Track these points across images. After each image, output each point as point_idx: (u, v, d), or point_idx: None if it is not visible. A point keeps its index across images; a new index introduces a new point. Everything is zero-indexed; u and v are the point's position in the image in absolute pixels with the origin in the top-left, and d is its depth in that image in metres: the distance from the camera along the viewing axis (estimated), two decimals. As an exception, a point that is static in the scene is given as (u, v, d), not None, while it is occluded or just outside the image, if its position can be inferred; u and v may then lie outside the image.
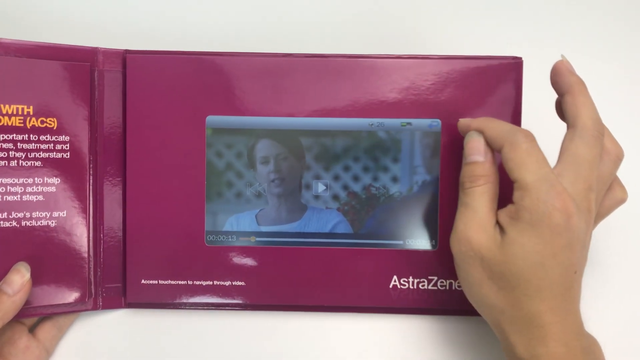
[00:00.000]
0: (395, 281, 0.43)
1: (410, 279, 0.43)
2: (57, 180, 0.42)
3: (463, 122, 0.40)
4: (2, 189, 0.40)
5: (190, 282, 0.43)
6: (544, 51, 0.45)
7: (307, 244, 0.43)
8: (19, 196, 0.40)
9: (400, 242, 0.43)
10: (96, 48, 0.43)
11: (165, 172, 0.43)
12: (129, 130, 0.43)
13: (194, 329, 0.45)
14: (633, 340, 0.45)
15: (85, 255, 0.43)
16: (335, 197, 0.43)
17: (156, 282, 0.43)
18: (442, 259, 0.43)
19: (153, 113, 0.43)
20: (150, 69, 0.43)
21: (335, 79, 0.43)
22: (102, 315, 0.45)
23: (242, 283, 0.43)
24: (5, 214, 0.40)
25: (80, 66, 0.42)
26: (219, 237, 0.43)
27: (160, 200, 0.43)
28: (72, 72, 0.42)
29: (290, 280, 0.43)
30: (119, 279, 0.44)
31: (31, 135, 0.41)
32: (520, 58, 0.42)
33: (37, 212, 0.41)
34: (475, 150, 0.38)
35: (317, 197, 0.43)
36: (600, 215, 0.38)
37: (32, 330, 0.43)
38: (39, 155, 0.41)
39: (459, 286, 0.43)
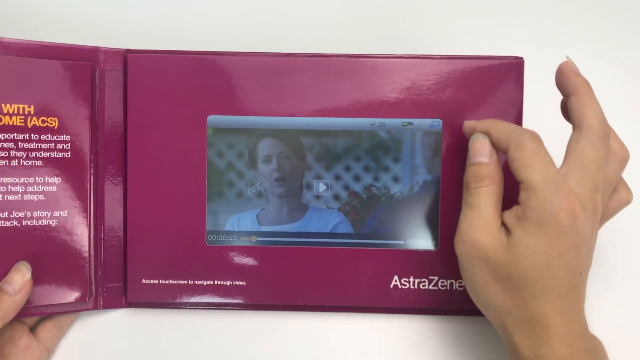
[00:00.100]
0: (396, 281, 0.43)
1: (411, 279, 0.43)
2: (58, 180, 0.42)
3: (468, 124, 0.40)
4: (3, 189, 0.40)
5: (191, 282, 0.43)
6: (544, 51, 0.45)
7: (308, 243, 0.43)
8: (19, 196, 0.40)
9: (401, 242, 0.43)
10: (97, 47, 0.43)
11: (166, 171, 0.43)
12: (130, 129, 0.43)
13: (195, 329, 0.45)
14: (637, 342, 0.45)
15: (86, 254, 0.43)
16: (336, 197, 0.43)
17: (157, 281, 0.43)
18: (443, 259, 0.43)
19: (154, 112, 0.43)
20: (152, 68, 0.43)
21: (337, 79, 0.43)
22: (103, 315, 0.45)
23: (243, 283, 0.43)
24: (6, 213, 0.40)
25: (82, 66, 0.42)
26: (220, 237, 0.43)
27: (161, 200, 0.43)
28: (73, 71, 0.42)
29: (291, 280, 0.43)
30: (120, 278, 0.44)
31: (32, 135, 0.41)
32: (522, 58, 0.42)
33: (38, 212, 0.41)
34: (481, 151, 0.38)
35: (318, 197, 0.43)
36: (605, 216, 0.38)
37: (32, 329, 0.43)
38: (40, 154, 0.41)
39: (459, 286, 0.43)
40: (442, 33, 0.49)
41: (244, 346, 0.45)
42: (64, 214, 0.42)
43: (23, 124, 0.40)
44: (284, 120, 0.43)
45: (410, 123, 0.42)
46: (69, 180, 0.42)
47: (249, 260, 0.43)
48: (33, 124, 0.41)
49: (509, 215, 0.36)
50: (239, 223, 0.43)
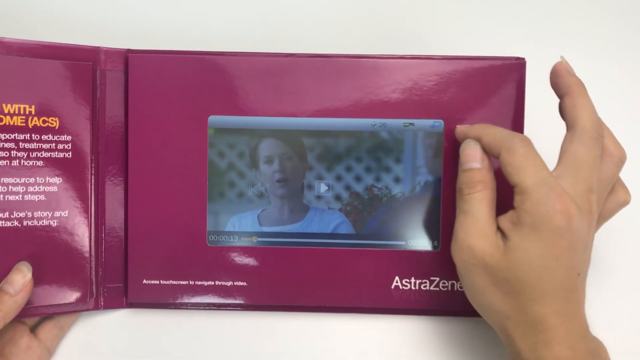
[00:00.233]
0: (397, 282, 0.43)
1: (412, 280, 0.43)
2: (59, 180, 0.41)
3: (460, 129, 0.40)
4: (4, 189, 0.40)
5: (191, 282, 0.43)
6: (544, 51, 0.45)
7: (309, 244, 0.43)
8: (20, 196, 0.40)
9: (403, 242, 0.43)
10: (98, 47, 0.43)
11: (167, 171, 0.43)
12: (131, 129, 0.43)
13: (196, 329, 0.45)
14: (638, 343, 0.45)
15: (87, 255, 0.43)
16: (338, 198, 0.43)
17: (158, 282, 0.43)
18: (444, 260, 0.43)
19: (155, 113, 0.43)
20: (153, 68, 0.43)
21: (338, 79, 0.42)
22: (104, 315, 0.45)
23: (244, 283, 0.43)
24: (7, 213, 0.40)
25: (83, 65, 0.42)
26: (221, 237, 0.43)
27: (162, 200, 0.43)
28: (74, 71, 0.42)
29: (292, 280, 0.43)
30: (121, 278, 0.44)
31: (33, 135, 0.41)
32: (523, 59, 0.42)
33: (39, 212, 0.41)
34: (472, 157, 0.38)
35: (319, 197, 0.43)
36: (603, 217, 0.38)
37: (33, 330, 0.43)
38: (41, 154, 0.41)
39: (461, 287, 0.43)
40: (442, 33, 0.49)
41: (245, 347, 0.45)
42: (65, 214, 0.42)
43: (24, 124, 0.40)
44: (285, 120, 0.43)
45: (411, 123, 0.42)
46: (69, 181, 0.42)
47: (249, 261, 0.43)
48: (34, 124, 0.41)
49: (505, 220, 0.36)
50: (240, 223, 0.43)
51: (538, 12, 0.49)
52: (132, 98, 0.43)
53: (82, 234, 0.42)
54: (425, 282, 0.43)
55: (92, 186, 0.43)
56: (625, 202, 0.39)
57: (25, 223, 0.41)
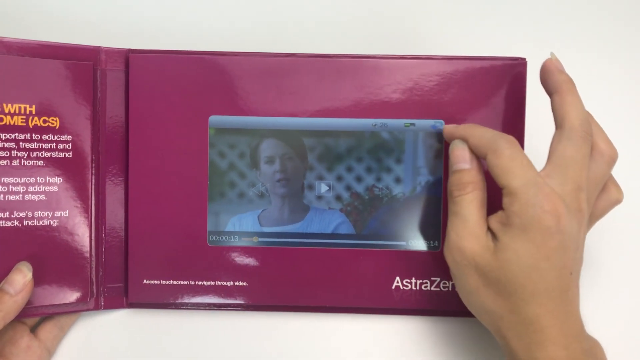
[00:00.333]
0: (397, 282, 0.43)
1: (413, 280, 0.43)
2: (59, 180, 0.41)
3: (447, 129, 0.40)
4: (4, 189, 0.40)
5: (192, 282, 0.43)
6: (544, 51, 0.45)
7: (309, 244, 0.43)
8: (21, 195, 0.40)
9: (403, 243, 0.43)
10: (99, 47, 0.43)
11: (168, 171, 0.43)
12: (132, 129, 0.43)
13: (196, 329, 0.45)
14: (635, 342, 0.45)
15: (87, 255, 0.43)
16: (338, 198, 0.43)
17: (158, 282, 0.43)
18: (444, 260, 0.42)
19: (156, 113, 0.43)
20: (153, 68, 0.43)
21: (338, 79, 0.42)
22: (104, 315, 0.45)
23: (244, 283, 0.43)
24: (7, 213, 0.40)
25: (83, 65, 0.42)
26: (222, 237, 0.43)
27: (163, 200, 0.43)
28: (74, 71, 0.42)
29: (293, 280, 0.43)
30: (121, 278, 0.44)
31: (33, 135, 0.41)
32: (525, 59, 0.42)
33: (39, 212, 0.41)
34: (461, 158, 0.38)
35: (319, 197, 0.43)
36: (595, 216, 0.38)
37: (33, 330, 0.43)
38: (41, 154, 0.41)
39: (461, 287, 0.43)
40: (442, 33, 0.49)
41: (245, 347, 0.45)
42: (65, 214, 0.42)
43: (24, 124, 0.40)
44: (286, 120, 0.43)
45: (412, 124, 0.42)
46: (70, 180, 0.42)
47: (250, 261, 0.43)
48: (34, 124, 0.40)
49: (494, 221, 0.36)
50: (241, 223, 0.43)
51: (538, 12, 0.49)
52: (133, 98, 0.43)
53: (83, 234, 0.42)
54: (426, 283, 0.43)
55: (93, 186, 0.43)
56: (618, 201, 0.39)
57: (25, 223, 0.40)
